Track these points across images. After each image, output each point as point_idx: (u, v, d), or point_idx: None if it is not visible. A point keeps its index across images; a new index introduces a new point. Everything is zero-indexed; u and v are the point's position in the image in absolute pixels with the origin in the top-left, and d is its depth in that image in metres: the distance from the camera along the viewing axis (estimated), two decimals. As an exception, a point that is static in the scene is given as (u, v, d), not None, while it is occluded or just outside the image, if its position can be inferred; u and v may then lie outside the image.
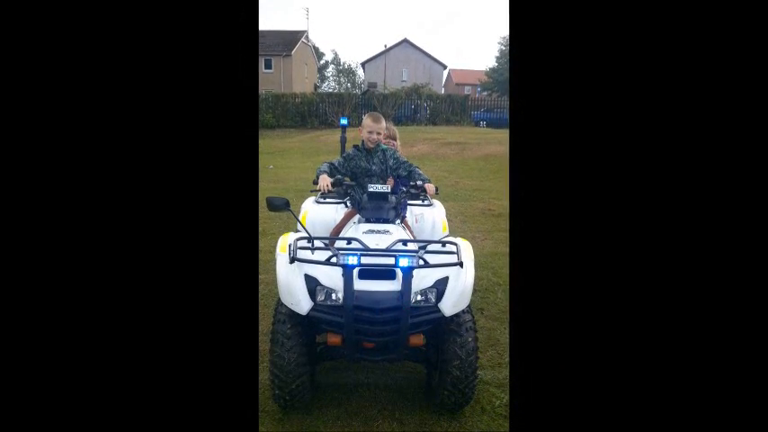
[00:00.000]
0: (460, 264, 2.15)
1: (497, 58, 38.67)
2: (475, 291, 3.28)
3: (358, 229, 2.45)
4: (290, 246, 2.13)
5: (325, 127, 21.31)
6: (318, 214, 3.18)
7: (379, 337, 2.11)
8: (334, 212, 3.17)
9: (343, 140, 4.06)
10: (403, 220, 2.87)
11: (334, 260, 2.10)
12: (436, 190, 2.73)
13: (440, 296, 2.13)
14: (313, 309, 2.10)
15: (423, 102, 23.36)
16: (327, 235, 2.88)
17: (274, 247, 2.45)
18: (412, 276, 2.07)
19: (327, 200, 3.25)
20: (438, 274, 2.17)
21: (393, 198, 2.64)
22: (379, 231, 2.40)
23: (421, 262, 2.12)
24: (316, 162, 6.86)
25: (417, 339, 2.22)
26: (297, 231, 2.53)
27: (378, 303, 2.05)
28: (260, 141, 10.48)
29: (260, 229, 5.33)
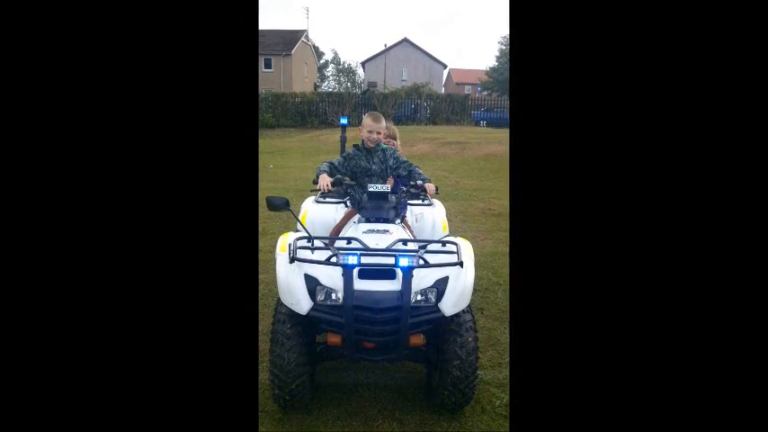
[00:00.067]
0: (461, 263, 2.15)
1: (497, 57, 38.70)
2: (475, 290, 3.28)
3: (358, 229, 2.45)
4: (289, 245, 2.13)
5: (325, 126, 21.30)
6: (318, 214, 3.18)
7: (379, 336, 2.11)
8: (333, 212, 3.17)
9: (343, 140, 4.05)
10: (403, 219, 2.87)
11: (333, 260, 2.10)
12: (436, 189, 2.73)
13: (440, 296, 2.13)
14: (313, 308, 2.10)
15: (423, 101, 23.34)
16: (327, 235, 2.87)
17: (274, 246, 2.45)
18: (412, 276, 2.07)
19: (327, 199, 3.25)
20: (438, 273, 2.17)
21: (393, 198, 2.64)
22: (378, 231, 2.40)
23: (421, 262, 2.12)
24: (315, 162, 6.87)
25: (417, 339, 2.22)
26: (297, 231, 2.53)
27: (378, 303, 2.04)
28: (260, 141, 10.46)
29: (260, 228, 5.33)
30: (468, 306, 2.25)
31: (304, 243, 2.24)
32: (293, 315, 2.18)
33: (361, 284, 2.09)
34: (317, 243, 2.29)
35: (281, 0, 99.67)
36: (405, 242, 2.27)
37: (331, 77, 50.06)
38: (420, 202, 3.28)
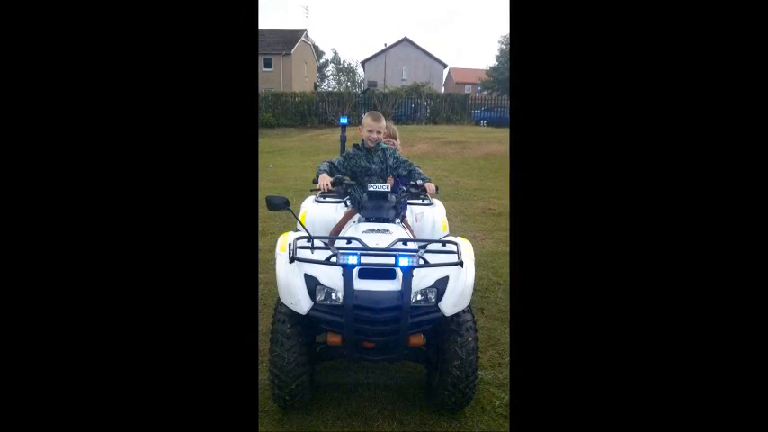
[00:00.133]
0: (461, 263, 2.14)
1: (498, 56, 38.72)
2: (475, 290, 3.28)
3: (358, 229, 2.45)
4: (289, 245, 2.13)
5: (325, 126, 21.30)
6: (318, 213, 3.17)
7: (379, 336, 2.10)
8: (333, 212, 3.17)
9: (343, 139, 4.05)
10: (403, 219, 2.86)
11: (333, 259, 2.10)
12: (436, 189, 2.73)
13: (440, 296, 2.13)
14: (313, 308, 2.10)
15: (423, 101, 23.35)
16: (327, 234, 2.87)
17: (274, 246, 2.44)
18: (412, 276, 2.07)
19: (327, 199, 3.24)
20: (438, 273, 2.17)
21: (393, 197, 2.64)
22: (378, 231, 2.40)
23: (421, 261, 2.12)
24: (315, 161, 6.86)
25: (417, 339, 2.22)
26: (296, 231, 2.53)
27: (378, 303, 2.04)
28: (259, 140, 10.46)
29: (259, 228, 5.33)
30: (469, 306, 2.25)
31: (304, 243, 2.23)
32: (293, 315, 2.18)
33: (361, 284, 2.08)
34: (317, 243, 2.28)
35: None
36: (405, 242, 2.27)
37: (331, 77, 50.13)
38: (420, 201, 3.28)
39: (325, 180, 2.59)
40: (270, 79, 29.42)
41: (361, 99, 23.10)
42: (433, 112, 22.92)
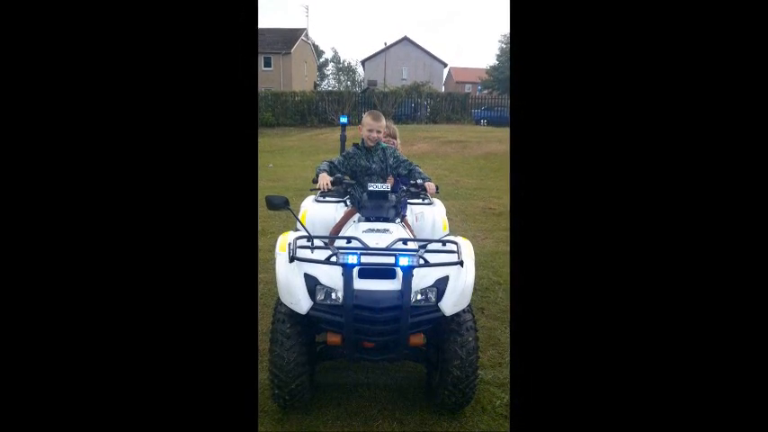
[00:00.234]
0: (461, 263, 2.14)
1: (498, 56, 38.73)
2: (475, 290, 3.27)
3: (358, 228, 2.45)
4: (289, 245, 2.13)
5: (325, 125, 21.29)
6: (318, 213, 3.17)
7: (379, 336, 2.10)
8: (333, 211, 3.16)
9: (343, 139, 4.05)
10: (403, 218, 2.86)
11: (333, 259, 2.10)
12: (436, 188, 2.72)
13: (440, 295, 2.12)
14: (313, 308, 2.10)
15: (423, 100, 23.33)
16: (327, 234, 2.87)
17: (274, 246, 2.44)
18: (412, 275, 2.06)
19: (327, 198, 3.24)
20: (438, 273, 2.16)
21: (393, 197, 2.64)
22: (378, 230, 2.40)
23: (421, 261, 2.12)
24: (315, 161, 6.86)
25: (417, 339, 2.21)
26: (296, 230, 2.53)
27: (378, 303, 2.04)
28: (259, 140, 10.47)
29: (259, 227, 5.33)
30: (469, 305, 2.25)
31: (304, 242, 2.23)
32: (293, 315, 2.18)
33: (361, 284, 2.08)
34: (317, 242, 2.28)
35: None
36: (405, 241, 2.27)
37: (331, 76, 50.15)
38: (420, 201, 3.27)
39: (324, 179, 2.58)
40: (270, 78, 29.42)
41: (361, 98, 23.08)
42: (434, 111, 22.91)
